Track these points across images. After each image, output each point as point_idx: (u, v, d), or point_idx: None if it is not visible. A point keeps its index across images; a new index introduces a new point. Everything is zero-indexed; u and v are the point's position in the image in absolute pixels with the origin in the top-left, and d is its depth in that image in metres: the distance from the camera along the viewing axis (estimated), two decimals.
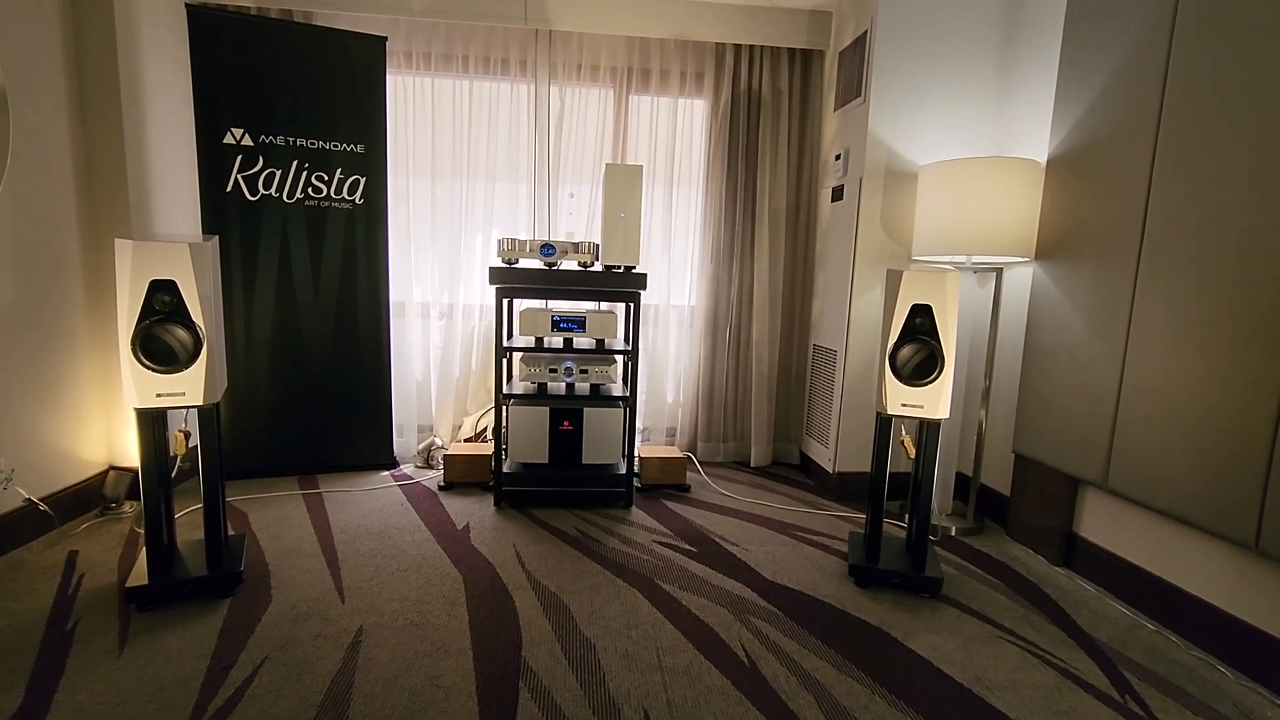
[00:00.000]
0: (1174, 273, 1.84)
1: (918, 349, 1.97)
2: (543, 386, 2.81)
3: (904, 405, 2.01)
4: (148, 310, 1.70)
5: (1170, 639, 1.87)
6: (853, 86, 2.89)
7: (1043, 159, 2.45)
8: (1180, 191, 1.83)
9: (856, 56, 2.86)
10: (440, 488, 2.88)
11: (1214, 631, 1.80)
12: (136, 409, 1.74)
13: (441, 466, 3.07)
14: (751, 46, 3.19)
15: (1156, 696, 1.61)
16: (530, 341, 2.78)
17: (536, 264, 2.69)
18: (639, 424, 3.47)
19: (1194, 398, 1.78)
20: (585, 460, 2.70)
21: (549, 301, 3.23)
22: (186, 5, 2.69)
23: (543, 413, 2.65)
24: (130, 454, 2.57)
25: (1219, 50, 1.74)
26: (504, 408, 2.65)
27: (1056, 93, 2.31)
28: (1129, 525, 2.09)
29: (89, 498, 2.47)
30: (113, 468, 2.56)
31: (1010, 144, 2.72)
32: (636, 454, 3.07)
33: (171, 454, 1.90)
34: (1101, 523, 2.20)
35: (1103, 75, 2.11)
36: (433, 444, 3.23)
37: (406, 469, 3.13)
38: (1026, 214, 2.36)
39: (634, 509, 2.72)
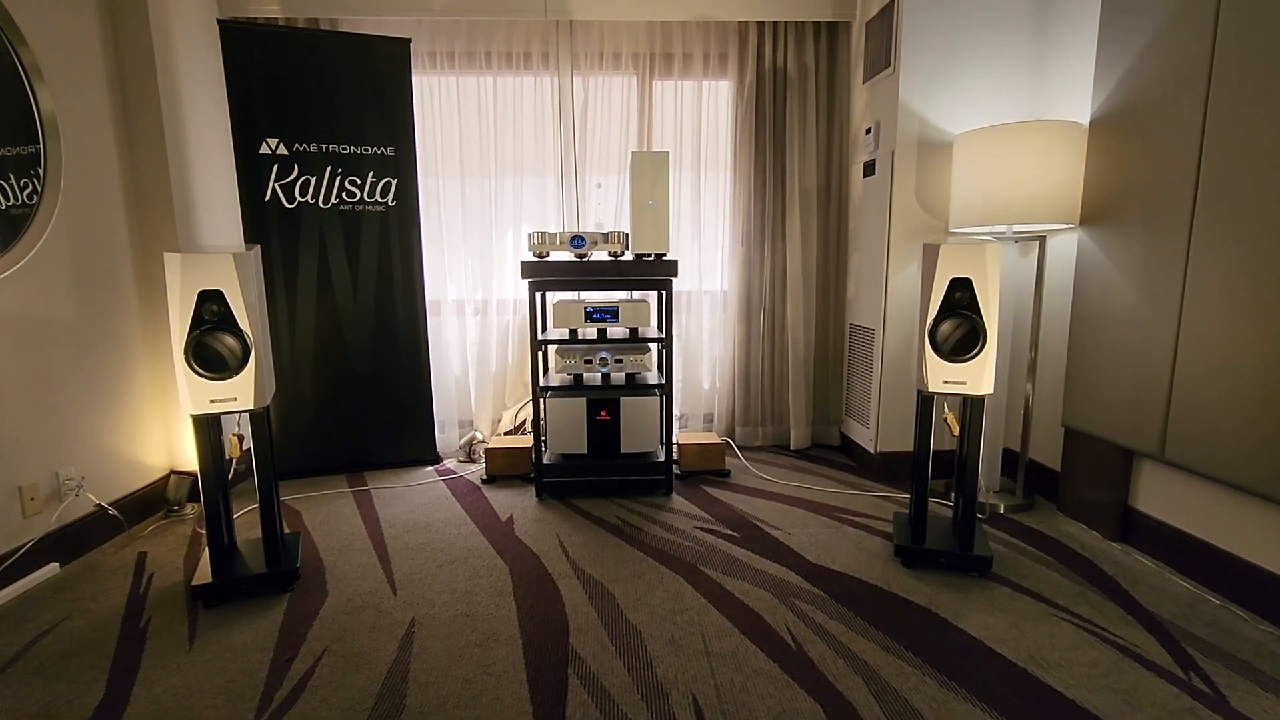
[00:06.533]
0: (1230, 233, 1.75)
1: (958, 324, 1.92)
2: (579, 378, 2.83)
3: (946, 382, 1.96)
4: (198, 320, 1.77)
5: (1236, 613, 1.80)
6: (881, 57, 2.82)
7: (1085, 120, 2.35)
8: (1235, 147, 1.74)
9: (884, 26, 2.78)
10: (483, 481, 2.94)
11: None
12: (192, 415, 1.82)
13: (483, 460, 3.12)
14: (775, 23, 3.13)
15: (1223, 673, 1.55)
16: (564, 334, 2.80)
17: (567, 256, 2.70)
18: (676, 411, 3.47)
19: (1255, 363, 1.69)
20: (624, 449, 2.71)
21: (581, 293, 3.24)
22: (218, 20, 2.76)
23: (580, 404, 2.67)
24: (189, 458, 2.68)
25: None
26: (541, 400, 2.68)
27: (1098, 49, 2.21)
28: (1189, 497, 2.02)
29: (153, 501, 2.59)
30: (174, 472, 2.68)
31: (1050, 107, 2.62)
32: (675, 441, 3.07)
33: (227, 457, 1.98)
34: (1159, 495, 2.12)
35: (1148, 28, 2.01)
36: (474, 438, 3.29)
37: (449, 464, 3.19)
38: (1069, 179, 2.28)
39: (674, 496, 2.73)
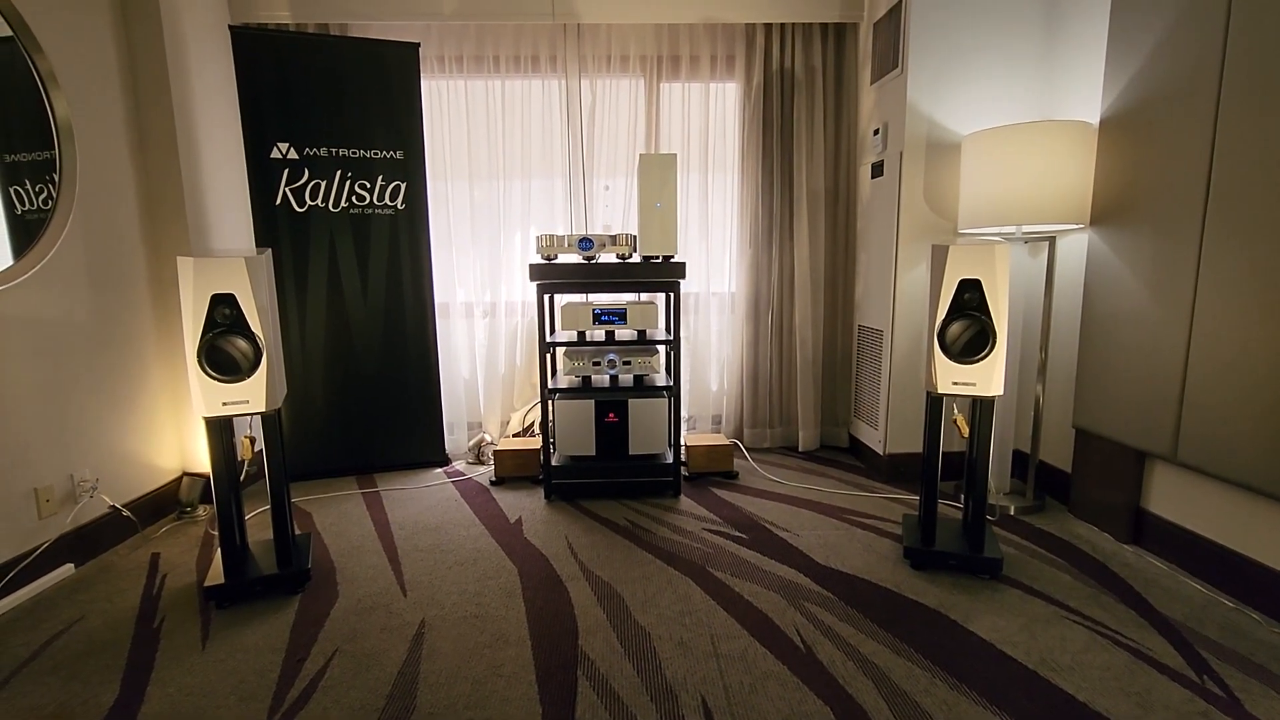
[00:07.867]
0: (1243, 232, 1.74)
1: (967, 325, 1.92)
2: (587, 380, 2.83)
3: (955, 384, 1.95)
4: (210, 323, 1.79)
5: (1250, 616, 1.79)
6: (889, 58, 2.81)
7: (1095, 120, 2.34)
8: (1247, 146, 1.72)
9: (892, 26, 2.78)
10: (492, 483, 2.95)
11: None
12: (205, 417, 1.84)
13: (492, 462, 3.13)
14: (782, 25, 3.13)
15: (1237, 676, 1.54)
16: (572, 336, 2.81)
17: (575, 259, 2.70)
18: (684, 413, 3.47)
19: (1269, 362, 1.68)
20: (632, 451, 2.71)
21: (589, 295, 3.25)
22: (230, 26, 2.79)
23: (588, 406, 2.67)
24: (201, 460, 2.70)
25: None
26: (549, 402, 2.69)
27: (1108, 48, 2.20)
28: (1201, 498, 2.00)
29: (166, 503, 2.61)
30: (186, 474, 2.70)
31: (1059, 107, 2.60)
32: (683, 443, 3.07)
33: (239, 459, 2.00)
34: (1171, 496, 2.11)
35: (1158, 27, 2.00)
36: (482, 440, 3.30)
37: (458, 465, 3.21)
38: (1079, 179, 2.26)
39: (682, 497, 2.73)
